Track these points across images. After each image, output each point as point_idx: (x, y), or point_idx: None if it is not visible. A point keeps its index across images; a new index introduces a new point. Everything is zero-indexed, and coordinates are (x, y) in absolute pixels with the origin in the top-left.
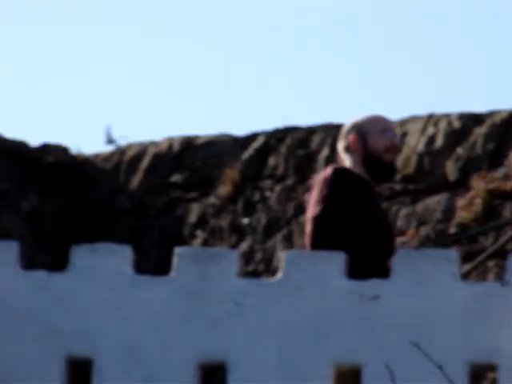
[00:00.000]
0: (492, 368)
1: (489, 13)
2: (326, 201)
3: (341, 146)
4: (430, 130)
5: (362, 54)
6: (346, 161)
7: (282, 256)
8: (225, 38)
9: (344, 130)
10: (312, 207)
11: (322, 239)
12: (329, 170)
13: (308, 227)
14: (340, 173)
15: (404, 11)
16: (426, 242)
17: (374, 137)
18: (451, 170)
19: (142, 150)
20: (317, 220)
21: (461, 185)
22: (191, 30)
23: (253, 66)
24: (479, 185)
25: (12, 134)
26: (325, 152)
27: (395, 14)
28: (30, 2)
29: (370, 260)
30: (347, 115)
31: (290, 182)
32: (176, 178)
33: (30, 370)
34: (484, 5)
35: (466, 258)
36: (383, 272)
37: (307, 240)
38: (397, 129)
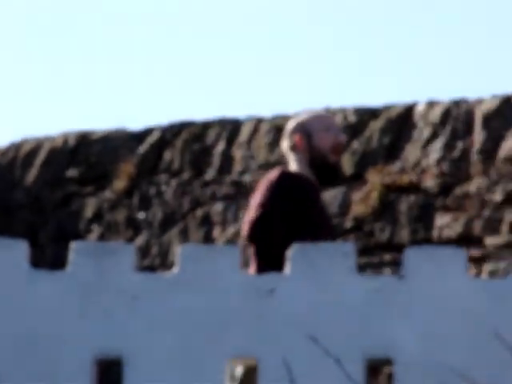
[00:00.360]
0: (388, 362)
1: (386, 12)
2: (266, 206)
3: (285, 145)
4: None
5: (254, 47)
6: (292, 160)
7: (178, 250)
8: (119, 33)
9: (288, 128)
10: (252, 210)
11: (258, 243)
12: (274, 173)
13: (245, 229)
14: (285, 177)
15: (293, 9)
16: None
17: (319, 135)
18: (347, 164)
19: (38, 144)
20: (253, 224)
21: (357, 179)
22: (87, 25)
23: (147, 61)
24: (375, 179)
25: None
26: (220, 146)
27: (287, 13)
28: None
29: None
30: (242, 110)
31: (185, 176)
32: (72, 172)
33: None
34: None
35: (362, 252)
36: None
37: (243, 240)
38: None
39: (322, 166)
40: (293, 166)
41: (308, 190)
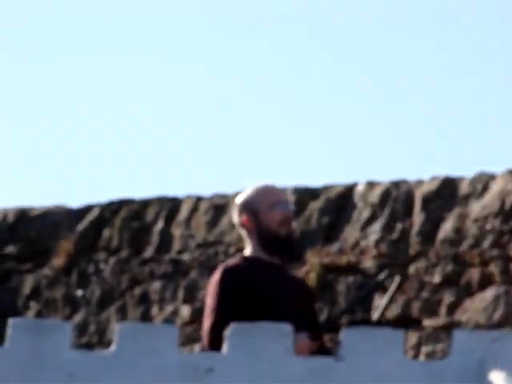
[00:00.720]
0: None
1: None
2: (217, 311)
3: (236, 221)
4: None
5: (194, 126)
6: (244, 237)
7: (116, 328)
8: (57, 109)
9: (236, 205)
10: (206, 317)
11: (219, 349)
12: (217, 274)
13: (204, 339)
14: (226, 274)
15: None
16: None
17: (265, 213)
18: None
19: None
20: (210, 332)
21: (296, 259)
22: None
23: (86, 138)
24: (314, 259)
25: None
26: (160, 225)
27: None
28: None
29: None
30: (181, 188)
31: (124, 254)
32: (10, 248)
33: None
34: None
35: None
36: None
37: (205, 350)
38: (288, 196)
39: (274, 241)
40: (246, 243)
41: (251, 279)
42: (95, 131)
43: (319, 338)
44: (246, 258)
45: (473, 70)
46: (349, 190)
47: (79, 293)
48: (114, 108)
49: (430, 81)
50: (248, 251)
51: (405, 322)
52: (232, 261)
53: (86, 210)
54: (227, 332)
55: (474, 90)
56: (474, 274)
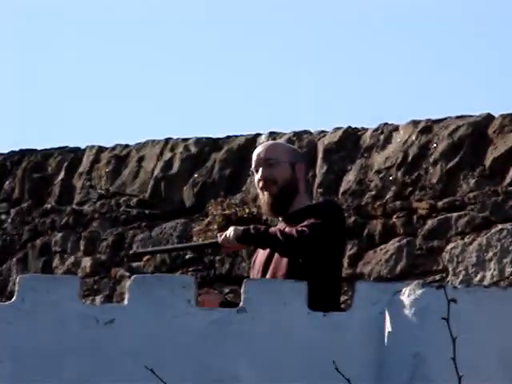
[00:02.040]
0: None
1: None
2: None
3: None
4: (167, 155)
5: (97, 73)
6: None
7: (17, 280)
8: None
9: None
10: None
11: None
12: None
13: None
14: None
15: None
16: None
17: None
18: (188, 195)
19: None
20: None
21: (197, 210)
22: None
23: None
24: (216, 210)
25: None
26: (61, 176)
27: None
28: None
29: None
30: (83, 139)
31: (25, 205)
32: None
33: None
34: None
35: (201, 284)
36: None
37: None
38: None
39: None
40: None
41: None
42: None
43: None
44: None
45: (378, 16)
46: (251, 141)
47: None
48: (17, 50)
49: (328, 29)
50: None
51: None
52: None
53: None
54: (128, 283)
55: (378, 39)
56: (377, 225)
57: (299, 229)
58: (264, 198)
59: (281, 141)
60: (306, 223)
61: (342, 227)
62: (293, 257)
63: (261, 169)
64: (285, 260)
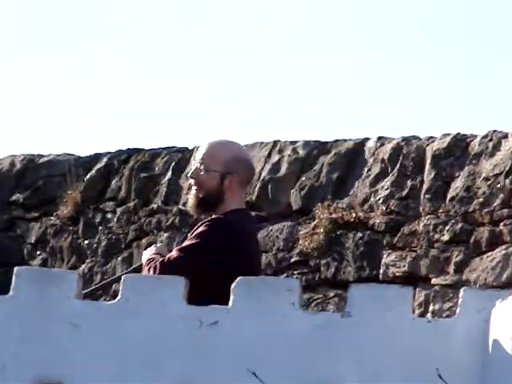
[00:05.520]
0: None
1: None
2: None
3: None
4: (275, 157)
5: (205, 79)
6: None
7: (122, 279)
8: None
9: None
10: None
11: None
12: None
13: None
14: None
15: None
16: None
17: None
18: (295, 198)
19: None
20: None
21: (304, 213)
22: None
23: (96, 87)
24: (322, 214)
25: None
26: (168, 175)
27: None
28: None
29: None
30: (191, 140)
31: (131, 204)
32: (17, 196)
33: None
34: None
35: (307, 288)
36: None
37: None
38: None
39: None
40: None
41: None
42: (106, 80)
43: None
44: None
45: (486, 27)
46: (359, 146)
47: (85, 242)
48: (124, 57)
49: (440, 36)
50: None
51: (413, 279)
52: None
53: (95, 159)
54: (233, 285)
55: (485, 48)
56: (484, 232)
57: (164, 260)
58: (191, 194)
59: (229, 142)
60: (179, 246)
61: (222, 245)
62: None
63: (195, 165)
64: None
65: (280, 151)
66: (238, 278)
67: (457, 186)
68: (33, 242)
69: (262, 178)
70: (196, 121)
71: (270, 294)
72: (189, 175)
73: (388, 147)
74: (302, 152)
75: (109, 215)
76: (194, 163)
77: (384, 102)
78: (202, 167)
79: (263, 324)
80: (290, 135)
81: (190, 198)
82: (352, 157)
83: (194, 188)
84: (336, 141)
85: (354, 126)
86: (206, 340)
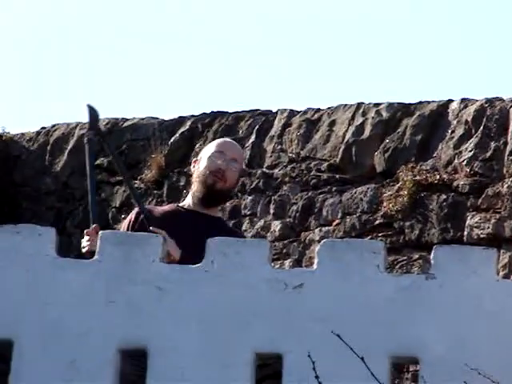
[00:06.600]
0: (414, 361)
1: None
2: None
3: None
4: (359, 120)
5: (286, 43)
6: None
7: (207, 242)
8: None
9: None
10: None
11: None
12: None
13: None
14: None
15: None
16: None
17: (201, 161)
18: (379, 160)
19: (68, 131)
20: None
21: (388, 176)
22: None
23: (180, 50)
24: (406, 176)
25: None
26: (252, 138)
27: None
28: None
29: None
30: (275, 103)
31: None
32: (101, 160)
33: None
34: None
35: (391, 250)
36: None
37: None
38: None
39: (202, 188)
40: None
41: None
42: (190, 44)
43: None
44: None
45: None
46: (443, 107)
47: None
48: (202, 25)
49: None
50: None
51: (497, 241)
52: None
53: (179, 122)
54: (318, 248)
55: None
56: None
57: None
58: (205, 180)
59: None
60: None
61: None
62: None
63: (226, 160)
64: None
65: (363, 113)
66: (323, 241)
67: None
68: (117, 205)
69: (345, 140)
70: (279, 84)
71: (355, 257)
72: (215, 166)
73: (472, 109)
74: (385, 114)
75: None
76: (231, 160)
77: (467, 63)
78: (234, 166)
79: (348, 286)
80: (373, 97)
81: (201, 183)
82: (436, 118)
83: (212, 178)
84: (420, 103)
85: (437, 88)
86: (291, 302)
